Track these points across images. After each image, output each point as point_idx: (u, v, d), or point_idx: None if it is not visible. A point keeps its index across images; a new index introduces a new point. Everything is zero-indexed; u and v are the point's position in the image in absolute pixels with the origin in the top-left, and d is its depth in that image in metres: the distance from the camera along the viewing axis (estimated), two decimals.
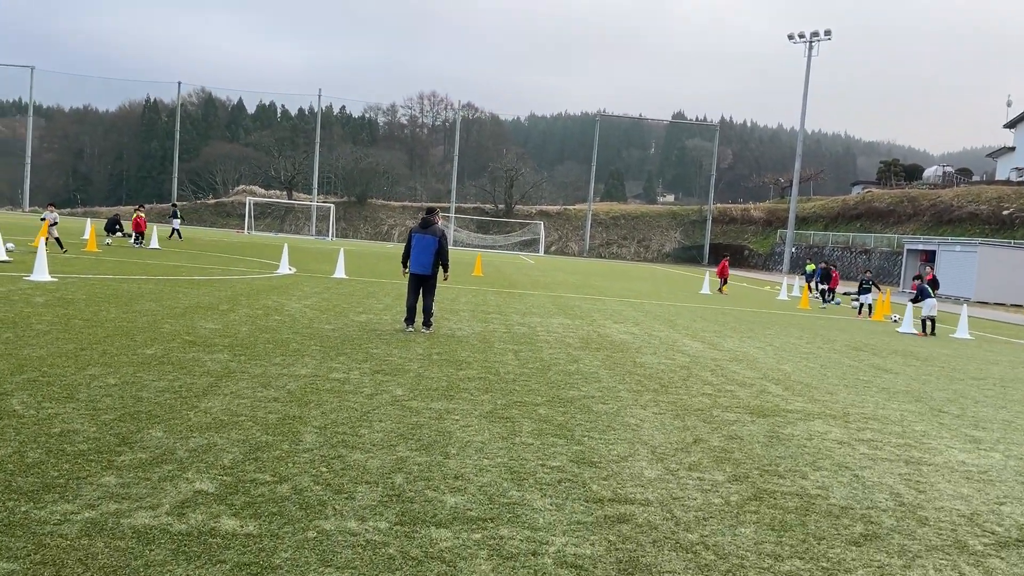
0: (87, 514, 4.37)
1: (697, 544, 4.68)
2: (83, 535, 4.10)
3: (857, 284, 27.87)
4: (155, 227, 35.06)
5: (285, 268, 23.83)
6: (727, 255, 36.82)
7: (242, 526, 4.38)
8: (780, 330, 18.48)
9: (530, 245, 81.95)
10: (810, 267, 37.51)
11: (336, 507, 4.78)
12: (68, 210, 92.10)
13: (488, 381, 9.15)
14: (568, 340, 13.36)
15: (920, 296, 21.39)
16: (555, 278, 33.98)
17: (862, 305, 26.16)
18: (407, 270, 12.88)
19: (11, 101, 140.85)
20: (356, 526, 4.52)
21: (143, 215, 32.91)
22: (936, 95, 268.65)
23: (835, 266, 36.49)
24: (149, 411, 6.61)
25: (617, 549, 4.51)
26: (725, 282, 33.28)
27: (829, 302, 31.77)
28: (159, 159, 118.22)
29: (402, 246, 15.21)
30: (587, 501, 5.27)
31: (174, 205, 43.86)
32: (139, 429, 6.07)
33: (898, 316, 24.19)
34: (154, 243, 31.22)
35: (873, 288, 26.66)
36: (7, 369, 7.73)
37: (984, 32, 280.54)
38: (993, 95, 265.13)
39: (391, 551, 4.22)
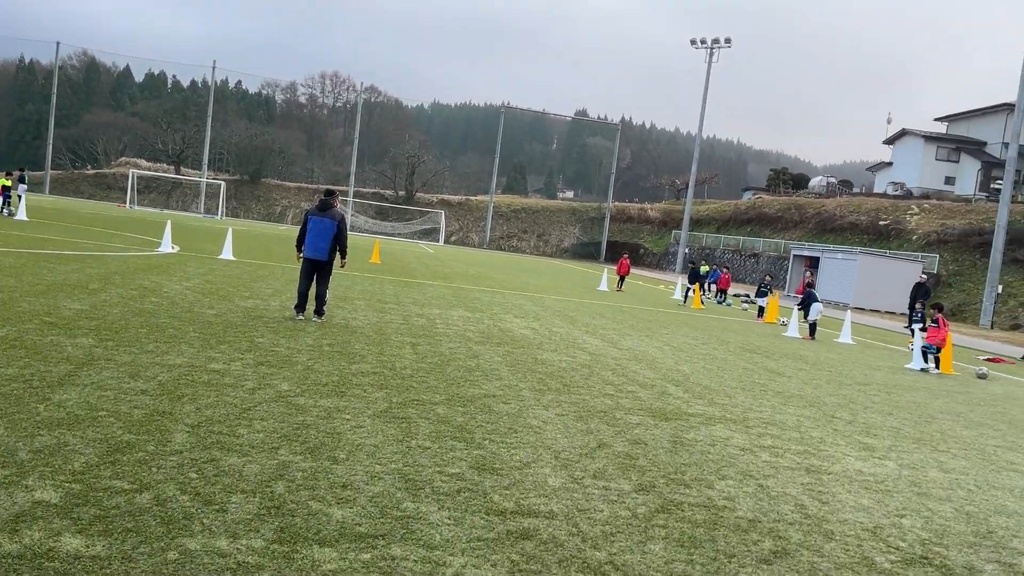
0: None
1: (605, 564, 4.35)
2: None
3: (756, 287, 28.59)
4: (23, 197, 32.42)
5: (168, 246, 22.37)
6: (627, 254, 37.17)
7: (88, 546, 3.73)
8: (676, 329, 18.65)
9: (430, 234, 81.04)
10: (704, 268, 38.48)
11: (204, 521, 4.19)
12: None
13: (383, 376, 8.61)
14: (468, 334, 12.93)
15: (807, 301, 22.12)
16: (455, 269, 33.49)
17: (761, 309, 26.82)
18: (301, 254, 12.12)
19: None
20: (226, 545, 3.94)
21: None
22: (821, 110, 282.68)
23: (727, 268, 37.50)
24: None
25: (520, 570, 4.12)
26: (623, 280, 33.61)
27: (721, 303, 32.59)
28: (34, 123, 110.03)
29: (296, 228, 14.32)
30: (488, 514, 4.86)
31: (21, 169, 38.87)
32: None
33: (786, 320, 24.98)
34: (21, 214, 28.83)
35: (770, 292, 27.42)
36: None
37: (868, 55, 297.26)
38: (873, 112, 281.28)
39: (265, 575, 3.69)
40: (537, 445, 6.59)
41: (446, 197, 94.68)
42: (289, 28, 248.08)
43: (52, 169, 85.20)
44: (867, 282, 42.13)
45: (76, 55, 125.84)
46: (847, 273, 42.59)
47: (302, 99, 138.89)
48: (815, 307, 21.95)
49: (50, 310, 9.99)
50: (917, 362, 16.75)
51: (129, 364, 7.58)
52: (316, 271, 12.09)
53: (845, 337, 21.82)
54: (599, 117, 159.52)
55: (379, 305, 15.41)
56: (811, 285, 22.75)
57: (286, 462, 5.33)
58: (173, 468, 4.93)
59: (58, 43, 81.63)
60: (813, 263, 46.40)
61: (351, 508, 4.65)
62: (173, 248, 22.82)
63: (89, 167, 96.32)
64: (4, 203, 30.05)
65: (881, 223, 54.32)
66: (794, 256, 49.87)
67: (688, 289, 30.66)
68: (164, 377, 7.24)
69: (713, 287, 36.11)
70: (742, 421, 8.72)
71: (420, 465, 5.64)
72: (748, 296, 36.55)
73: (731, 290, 35.21)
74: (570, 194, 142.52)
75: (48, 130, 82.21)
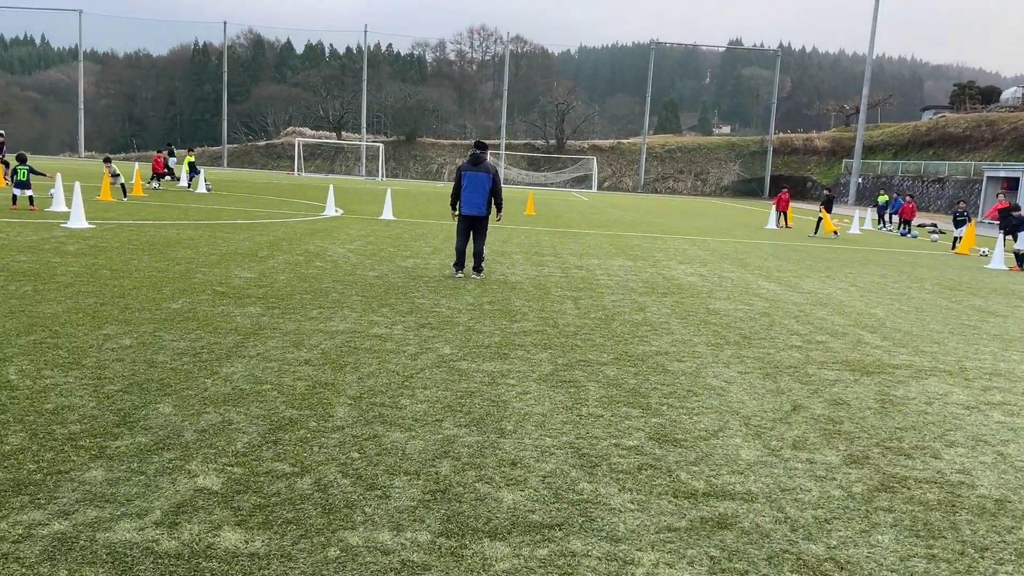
0: (57, 526, 3.52)
1: (825, 560, 3.64)
2: (45, 558, 3.24)
3: (951, 217, 25.78)
4: (202, 170, 34.54)
5: (331, 210, 23.03)
6: (786, 187, 34.63)
7: (247, 542, 3.48)
8: (860, 267, 17.00)
9: (583, 181, 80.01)
10: (882, 198, 35.33)
11: (367, 510, 3.86)
12: (123, 155, 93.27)
13: (546, 335, 8.14)
14: (631, 284, 12.23)
15: (1016, 224, 19.58)
16: (611, 216, 32.60)
17: (956, 239, 24.16)
18: (457, 212, 11.82)
19: (67, 48, 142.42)
20: (389, 539, 3.58)
21: (162, 156, 32.36)
22: (1005, 12, 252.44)
23: (911, 196, 34.20)
24: (161, 379, 5.77)
25: (723, 570, 3.50)
26: (784, 215, 31.17)
27: (906, 235, 29.80)
28: (211, 102, 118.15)
29: (451, 185, 13.98)
30: (676, 496, 4.25)
31: (169, 144, 40.14)
32: (145, 403, 5.23)
33: (986, 250, 22.34)
34: (201, 187, 30.73)
35: (967, 220, 24.59)
36: (15, 329, 6.99)
37: None
38: None
39: None
40: (722, 410, 5.88)
41: (597, 142, 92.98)
42: None
43: (228, 143, 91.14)
44: None
45: (243, 33, 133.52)
46: None
47: (451, 56, 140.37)
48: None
49: (222, 280, 10.25)
50: None
51: (294, 332, 7.53)
52: (473, 227, 11.76)
53: None
54: (754, 45, 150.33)
55: (537, 258, 14.98)
56: (1017, 208, 20.06)
57: (450, 436, 4.95)
58: (335, 447, 4.66)
59: (225, 23, 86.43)
60: (1011, 184, 41.53)
61: (522, 491, 4.19)
62: (337, 211, 23.47)
63: (261, 139, 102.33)
64: (190, 179, 32.10)
65: None
66: (988, 178, 44.86)
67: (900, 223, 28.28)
68: (327, 345, 7.11)
69: (895, 217, 33.12)
70: (959, 373, 7.55)
71: (594, 437, 5.11)
72: (935, 225, 33.27)
73: (916, 220, 32.12)
74: (727, 129, 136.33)
75: (223, 107, 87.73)
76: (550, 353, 7.35)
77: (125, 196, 24.34)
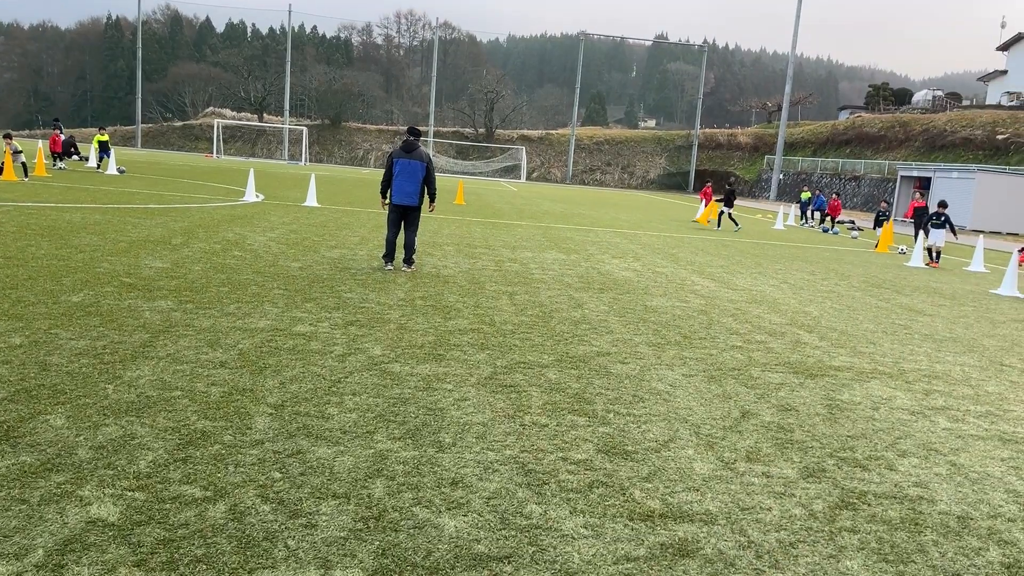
0: None
1: None
2: None
3: (874, 216, 26.39)
4: (113, 151, 32.71)
5: (252, 195, 22.04)
6: (709, 181, 35.09)
7: None
8: (788, 264, 17.17)
9: (512, 171, 79.77)
10: (805, 195, 36.16)
11: (289, 543, 3.39)
12: (27, 132, 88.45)
13: (483, 334, 7.74)
14: (567, 279, 11.94)
15: (935, 222, 20.19)
16: (541, 207, 32.37)
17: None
18: (387, 201, 11.28)
19: None
20: None
21: (58, 134, 30.52)
22: (914, 19, 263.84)
23: (837, 194, 35.05)
24: (54, 385, 5.13)
25: None
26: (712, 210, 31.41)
27: (827, 231, 30.52)
28: (125, 79, 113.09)
29: (379, 172, 13.31)
30: (632, 519, 3.92)
31: (56, 120, 38.00)
32: (33, 414, 4.61)
33: (904, 247, 22.99)
34: (112, 168, 29.11)
35: (887, 219, 25.22)
36: None
37: None
38: (971, 19, 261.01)
39: None
40: (670, 417, 5.60)
41: (526, 132, 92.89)
42: None
43: (143, 123, 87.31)
44: (986, 202, 38.93)
45: (159, 9, 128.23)
46: (963, 193, 39.37)
47: (378, 40, 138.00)
48: (937, 232, 20.02)
49: (130, 269, 9.48)
50: None
51: (208, 330, 6.92)
52: (404, 217, 11.25)
53: (977, 265, 19.83)
54: (680, 41, 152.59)
55: (469, 250, 14.54)
56: (944, 205, 20.62)
57: (384, 451, 4.51)
58: (253, 465, 4.16)
59: None
60: (923, 184, 43.16)
61: (465, 516, 3.79)
62: (257, 197, 22.50)
63: (177, 119, 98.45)
64: (99, 159, 30.36)
65: (999, 137, 50.04)
66: (902, 177, 46.50)
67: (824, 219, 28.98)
68: (246, 344, 6.54)
69: (817, 214, 33.94)
70: (899, 375, 7.50)
71: (540, 450, 4.74)
72: (854, 222, 34.26)
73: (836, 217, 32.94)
74: (652, 123, 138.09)
75: (136, 84, 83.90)
76: (488, 354, 6.95)
77: (26, 176, 22.79)
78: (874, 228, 25.17)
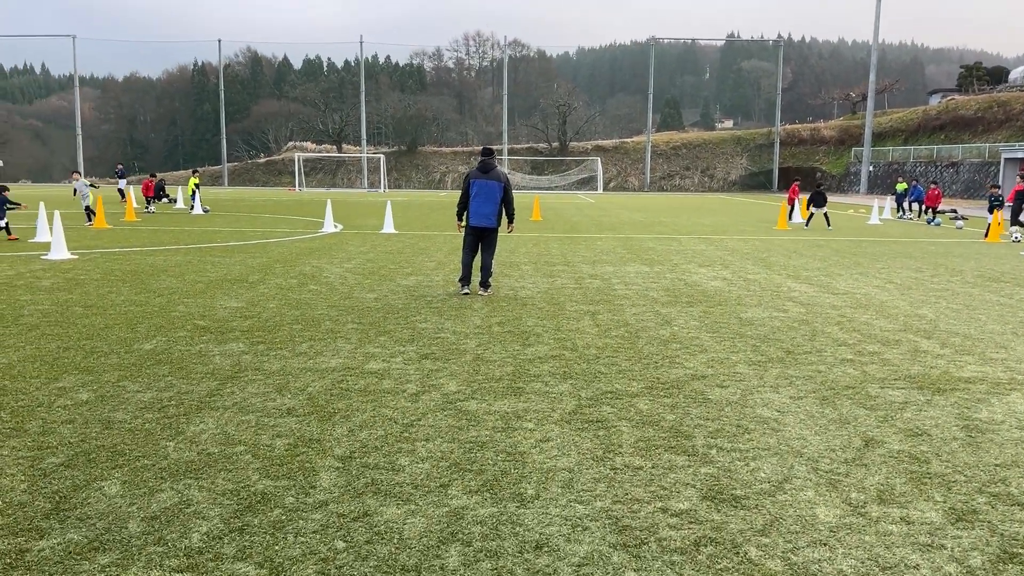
0: None
1: None
2: None
3: (987, 201, 24.50)
4: (199, 191, 33.71)
5: (330, 226, 22.16)
6: (797, 178, 33.53)
7: None
8: (891, 261, 16.00)
9: (588, 183, 79.03)
10: (901, 186, 34.24)
11: None
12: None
13: (565, 361, 7.20)
14: (652, 293, 11.29)
15: None
16: (620, 217, 31.63)
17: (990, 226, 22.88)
18: (464, 223, 10.90)
19: (67, 75, 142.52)
20: None
21: (152, 180, 31.36)
22: None
23: (935, 182, 33.02)
24: (114, 446, 4.86)
25: None
26: (795, 207, 29.86)
27: (931, 222, 28.70)
28: (211, 121, 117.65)
29: (456, 194, 12.89)
30: None
31: (119, 165, 38.63)
32: (88, 481, 4.32)
33: (1020, 235, 21.29)
34: (197, 208, 29.94)
35: (1001, 204, 23.38)
36: None
37: None
38: None
39: None
40: (782, 450, 4.94)
41: (600, 143, 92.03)
42: None
43: (229, 161, 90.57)
44: None
45: (240, 52, 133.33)
46: None
47: (449, 64, 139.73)
48: None
49: (205, 311, 9.37)
50: None
51: (278, 373, 6.62)
52: (481, 240, 10.84)
53: None
54: (753, 38, 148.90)
55: (547, 268, 14.04)
56: None
57: (459, 509, 4.02)
58: (315, 533, 3.74)
59: (220, 40, 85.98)
60: None
61: None
62: (336, 227, 22.62)
63: (261, 156, 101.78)
64: (147, 200, 31.15)
65: None
66: (1006, 160, 43.66)
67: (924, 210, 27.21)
68: (315, 388, 6.20)
69: (915, 205, 32.06)
70: None
71: (634, 500, 4.17)
72: (956, 211, 32.20)
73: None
74: (730, 123, 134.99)
75: (221, 125, 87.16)
76: (571, 384, 6.42)
77: (89, 220, 23.18)
78: (990, 213, 23.27)
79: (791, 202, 29.49)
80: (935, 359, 7.45)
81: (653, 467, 4.64)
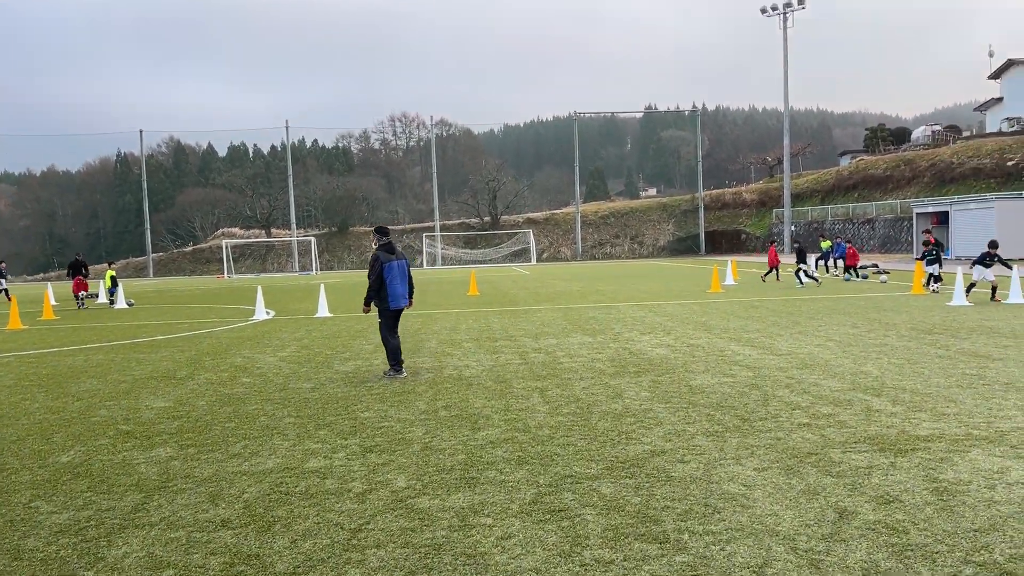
0: None
1: None
2: None
3: (922, 253, 24.72)
4: (121, 284, 32.55)
5: (262, 313, 21.49)
6: (774, 241, 34.15)
7: None
8: (827, 318, 16.24)
9: (521, 255, 79.70)
10: (825, 244, 35.37)
11: None
12: (41, 275, 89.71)
13: (518, 444, 6.87)
14: (598, 365, 11.09)
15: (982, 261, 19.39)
16: (556, 287, 31.70)
17: (930, 277, 22.93)
18: (380, 307, 10.62)
19: None
20: None
21: (82, 278, 30.18)
22: (898, 61, 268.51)
23: (849, 241, 34.23)
24: None
25: None
26: (772, 270, 30.32)
27: (849, 279, 29.55)
28: (134, 212, 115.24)
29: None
30: None
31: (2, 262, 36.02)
32: None
33: (937, 286, 22.03)
34: (121, 302, 28.80)
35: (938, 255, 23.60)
36: None
37: None
38: (952, 53, 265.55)
39: None
40: (756, 529, 4.68)
41: (531, 215, 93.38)
42: (354, 79, 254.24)
43: (154, 252, 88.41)
44: (1008, 230, 37.97)
45: (163, 141, 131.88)
46: (984, 224, 38.49)
47: (376, 145, 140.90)
48: (980, 269, 19.14)
49: (129, 414, 8.74)
50: None
51: (211, 479, 6.10)
52: (397, 320, 10.76)
53: (1016, 296, 18.79)
54: (669, 108, 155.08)
55: (490, 344, 13.76)
56: (994, 246, 19.74)
57: None
58: None
59: (141, 131, 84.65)
60: (941, 219, 42.34)
61: None
62: (268, 314, 21.96)
63: (188, 245, 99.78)
64: (111, 294, 30.05)
65: (1009, 163, 49.45)
66: (917, 214, 45.76)
67: (800, 269, 27.67)
68: (252, 493, 5.71)
69: (839, 263, 33.07)
70: (999, 439, 6.52)
71: None
72: (877, 265, 33.35)
73: (859, 263, 31.99)
74: (653, 191, 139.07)
75: (145, 215, 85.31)
76: (528, 470, 6.08)
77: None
78: (927, 267, 23.51)
79: (773, 265, 29.83)
80: (889, 418, 7.38)
81: (625, 559, 4.31)
